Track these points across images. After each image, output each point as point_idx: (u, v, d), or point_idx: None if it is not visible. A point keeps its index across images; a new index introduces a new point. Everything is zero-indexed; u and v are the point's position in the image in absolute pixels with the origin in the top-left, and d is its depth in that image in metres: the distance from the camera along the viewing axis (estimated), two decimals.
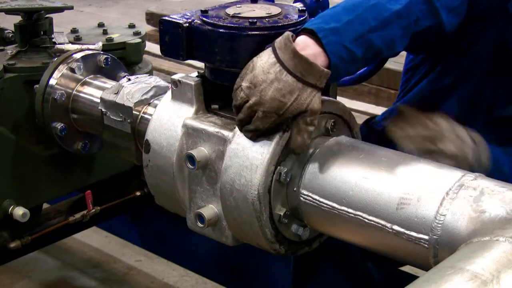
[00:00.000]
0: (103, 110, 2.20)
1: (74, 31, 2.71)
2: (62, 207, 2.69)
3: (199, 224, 1.86)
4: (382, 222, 1.59)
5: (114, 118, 2.17)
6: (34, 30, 2.52)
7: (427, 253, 1.53)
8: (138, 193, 2.75)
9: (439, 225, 1.50)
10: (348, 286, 2.29)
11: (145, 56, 2.77)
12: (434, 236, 1.51)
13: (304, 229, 1.82)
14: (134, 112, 2.13)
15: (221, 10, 1.87)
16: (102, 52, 2.45)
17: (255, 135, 1.71)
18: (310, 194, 1.72)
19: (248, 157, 1.73)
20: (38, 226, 2.56)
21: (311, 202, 1.72)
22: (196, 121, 1.86)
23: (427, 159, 1.71)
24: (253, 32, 1.78)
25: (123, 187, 2.76)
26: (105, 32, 2.70)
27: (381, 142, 1.83)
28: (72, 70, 2.37)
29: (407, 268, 2.35)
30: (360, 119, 2.30)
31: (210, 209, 1.84)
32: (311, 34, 1.67)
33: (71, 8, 2.56)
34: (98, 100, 2.24)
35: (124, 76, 2.35)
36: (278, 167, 1.73)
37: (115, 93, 2.18)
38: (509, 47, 2.01)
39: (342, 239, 1.78)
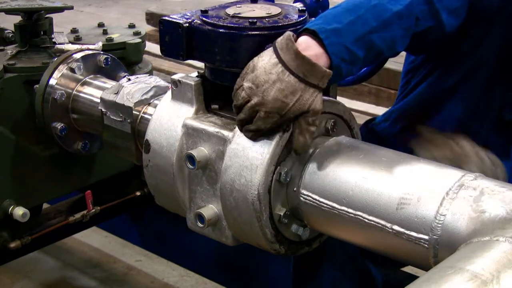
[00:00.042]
0: (103, 110, 2.20)
1: (74, 31, 2.71)
2: (62, 207, 2.70)
3: (199, 224, 1.86)
4: (382, 222, 1.59)
5: (114, 118, 2.17)
6: (34, 30, 2.52)
7: (427, 253, 1.53)
8: (138, 193, 2.75)
9: (439, 225, 1.50)
10: (348, 286, 2.29)
11: (145, 56, 2.77)
12: (434, 236, 1.51)
13: (304, 229, 1.82)
14: (134, 112, 2.13)
15: (221, 10, 1.87)
16: (102, 52, 2.45)
17: (256, 135, 1.72)
18: (310, 194, 1.72)
19: (248, 157, 1.73)
20: (38, 226, 2.57)
21: (311, 202, 1.72)
22: (196, 121, 1.86)
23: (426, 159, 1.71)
24: (253, 32, 1.78)
25: (123, 187, 2.76)
26: (105, 32, 2.70)
27: (381, 143, 1.83)
28: (72, 70, 2.37)
29: (407, 268, 2.36)
30: (360, 119, 2.30)
31: (210, 209, 1.84)
32: (313, 34, 1.67)
33: (71, 8, 2.56)
34: (98, 100, 2.24)
35: (124, 76, 2.35)
36: (278, 167, 1.73)
37: (115, 93, 2.18)
38: None
39: (342, 239, 1.78)
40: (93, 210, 2.60)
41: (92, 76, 2.40)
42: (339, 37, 1.67)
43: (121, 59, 2.53)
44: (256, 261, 2.57)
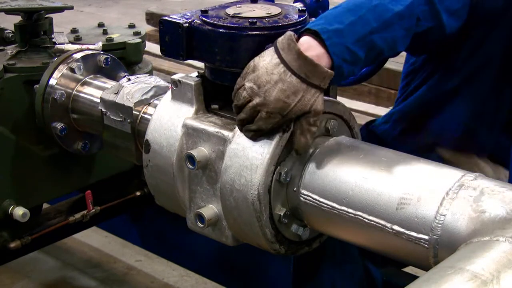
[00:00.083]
0: (103, 110, 2.20)
1: (74, 31, 2.71)
2: (62, 207, 2.69)
3: (199, 224, 1.86)
4: (382, 222, 1.59)
5: (114, 118, 2.17)
6: (34, 30, 2.51)
7: (427, 253, 1.53)
8: (138, 193, 2.75)
9: (439, 225, 1.50)
10: (348, 286, 2.29)
11: (145, 56, 2.77)
12: (434, 236, 1.51)
13: (304, 229, 1.82)
14: (134, 112, 2.13)
15: (221, 10, 1.87)
16: (102, 52, 2.45)
17: (256, 135, 1.72)
18: (310, 194, 1.72)
19: (248, 157, 1.73)
20: (38, 226, 2.56)
21: (311, 202, 1.72)
22: (196, 121, 1.86)
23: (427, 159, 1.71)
24: (253, 32, 1.78)
25: (123, 187, 2.76)
26: (105, 32, 2.70)
27: (381, 145, 1.82)
28: (72, 70, 2.37)
29: (407, 268, 2.36)
30: (360, 119, 2.30)
31: (210, 209, 1.84)
32: (315, 35, 1.67)
33: (71, 8, 2.56)
34: (98, 100, 2.24)
35: (124, 76, 2.35)
36: (278, 167, 1.73)
37: (115, 93, 2.18)
38: None
39: (342, 239, 1.78)
40: (93, 210, 2.60)
41: (92, 76, 2.40)
42: (341, 37, 1.67)
43: (121, 59, 2.52)
44: (256, 261, 2.57)
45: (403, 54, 2.08)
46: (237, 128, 1.77)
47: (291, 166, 1.76)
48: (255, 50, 1.76)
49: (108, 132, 2.21)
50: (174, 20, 1.85)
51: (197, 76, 1.92)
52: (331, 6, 2.55)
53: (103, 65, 2.42)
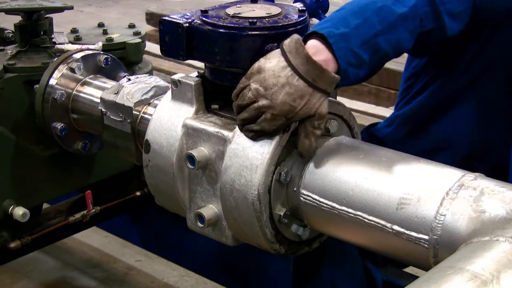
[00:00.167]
0: (103, 110, 2.20)
1: (74, 31, 2.71)
2: (62, 207, 2.69)
3: (199, 224, 1.86)
4: (382, 222, 1.59)
5: (114, 118, 2.17)
6: (34, 30, 2.51)
7: (427, 253, 1.53)
8: (138, 193, 2.75)
9: (439, 225, 1.50)
10: (348, 286, 2.29)
11: (145, 56, 2.77)
12: (434, 236, 1.51)
13: (304, 229, 1.82)
14: (134, 112, 2.13)
15: (221, 10, 1.87)
16: (102, 52, 2.45)
17: (257, 135, 1.72)
18: (310, 194, 1.72)
19: (248, 157, 1.73)
20: (38, 226, 2.56)
21: (311, 202, 1.72)
22: (196, 121, 1.86)
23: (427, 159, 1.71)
24: (253, 32, 1.78)
25: (123, 187, 2.76)
26: (105, 32, 2.70)
27: None
28: (72, 70, 2.37)
29: (407, 268, 2.35)
30: (360, 119, 2.30)
31: (210, 209, 1.84)
32: (322, 38, 1.67)
33: (71, 8, 2.56)
34: (98, 100, 2.24)
35: (124, 76, 2.35)
36: (278, 167, 1.73)
37: (115, 93, 2.18)
38: None
39: (342, 239, 1.78)
40: (93, 210, 2.59)
41: (92, 76, 2.40)
42: (347, 41, 1.68)
43: (121, 59, 2.52)
44: (256, 261, 2.57)
45: (404, 54, 2.08)
46: (237, 128, 1.77)
47: (291, 166, 1.76)
48: (255, 50, 1.76)
49: (108, 132, 2.21)
50: (174, 20, 1.85)
51: (197, 76, 1.92)
52: (331, 6, 2.56)
53: (103, 65, 2.42)
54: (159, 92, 2.17)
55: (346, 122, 1.89)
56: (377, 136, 2.30)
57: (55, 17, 2.60)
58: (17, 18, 2.53)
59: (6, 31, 2.73)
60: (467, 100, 2.10)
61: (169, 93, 1.95)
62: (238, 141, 1.76)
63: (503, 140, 2.04)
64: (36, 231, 2.54)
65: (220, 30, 1.79)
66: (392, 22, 1.74)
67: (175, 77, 1.93)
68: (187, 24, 1.83)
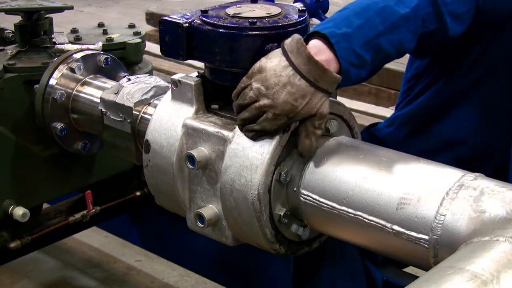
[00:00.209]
0: (103, 110, 2.20)
1: (74, 31, 2.71)
2: (62, 207, 2.69)
3: (199, 224, 1.86)
4: (382, 222, 1.59)
5: (114, 118, 2.17)
6: (34, 30, 2.51)
7: (427, 253, 1.53)
8: (138, 193, 2.75)
9: (439, 225, 1.50)
10: (348, 286, 2.29)
11: (145, 56, 2.77)
12: (434, 236, 1.51)
13: (304, 229, 1.82)
14: (134, 112, 2.13)
15: (221, 10, 1.87)
16: (102, 52, 2.45)
17: (257, 135, 1.72)
18: (310, 194, 1.72)
19: (248, 157, 1.73)
20: (38, 226, 2.56)
21: (311, 202, 1.72)
22: (196, 121, 1.86)
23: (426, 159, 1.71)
24: (253, 32, 1.78)
25: (123, 187, 2.76)
26: (105, 32, 2.70)
27: None
28: (72, 70, 2.37)
29: (407, 268, 2.35)
30: (360, 119, 2.30)
31: (210, 209, 1.84)
32: (323, 38, 1.67)
33: (71, 8, 2.56)
34: (98, 100, 2.24)
35: (124, 76, 2.35)
36: (278, 167, 1.73)
37: (115, 93, 2.18)
38: None
39: (342, 239, 1.78)
40: (93, 210, 2.59)
41: (92, 76, 2.40)
42: (349, 41, 1.68)
43: (121, 59, 2.52)
44: (256, 261, 2.57)
45: (405, 54, 2.08)
46: (237, 128, 1.77)
47: (291, 166, 1.76)
48: (255, 50, 1.76)
49: (108, 132, 2.21)
50: (174, 20, 1.85)
51: (197, 76, 1.92)
52: (331, 6, 2.56)
53: (103, 65, 2.42)
54: (159, 92, 2.17)
55: (346, 122, 1.89)
56: (377, 136, 2.30)
57: (55, 17, 2.60)
58: (17, 18, 2.53)
59: (6, 31, 2.73)
60: (469, 101, 2.10)
61: (169, 93, 1.95)
62: (238, 141, 1.76)
63: (506, 141, 2.03)
64: (36, 231, 2.54)
65: (220, 30, 1.79)
66: (394, 22, 1.74)
67: (175, 77, 1.93)
68: (187, 24, 1.83)
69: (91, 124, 2.36)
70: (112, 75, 2.43)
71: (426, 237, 1.52)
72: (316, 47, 1.67)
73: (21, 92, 2.41)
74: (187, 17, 1.86)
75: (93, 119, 2.31)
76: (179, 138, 1.87)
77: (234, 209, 1.77)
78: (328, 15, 2.51)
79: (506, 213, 1.45)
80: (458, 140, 2.15)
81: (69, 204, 2.71)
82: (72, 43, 2.57)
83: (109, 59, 2.42)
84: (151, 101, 2.15)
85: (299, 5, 1.97)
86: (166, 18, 1.88)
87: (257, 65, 1.69)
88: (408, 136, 2.24)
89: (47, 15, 2.55)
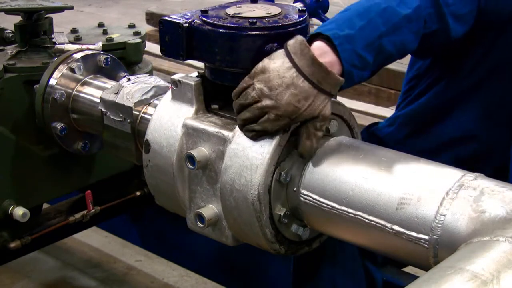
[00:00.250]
0: (103, 110, 2.20)
1: (74, 31, 2.71)
2: (62, 207, 2.69)
3: (199, 224, 1.86)
4: (382, 222, 1.59)
5: (114, 118, 2.17)
6: (34, 30, 2.51)
7: (427, 253, 1.53)
8: (138, 193, 2.75)
9: (439, 225, 1.50)
10: (348, 286, 2.29)
11: (145, 56, 2.77)
12: (434, 236, 1.51)
13: (304, 229, 1.82)
14: (134, 112, 2.13)
15: (221, 10, 1.87)
16: (102, 52, 2.45)
17: (258, 135, 1.72)
18: (310, 194, 1.72)
19: (248, 157, 1.73)
20: (38, 226, 2.56)
21: (311, 202, 1.72)
22: (196, 121, 1.86)
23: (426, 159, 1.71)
24: (253, 32, 1.78)
25: (123, 187, 2.76)
26: (105, 32, 2.70)
27: None
28: (72, 70, 2.37)
29: (407, 268, 2.36)
30: (360, 119, 2.30)
31: (210, 209, 1.84)
32: (327, 40, 1.67)
33: (71, 8, 2.56)
34: (98, 100, 2.24)
35: (124, 76, 2.35)
36: (278, 167, 1.73)
37: (115, 93, 2.18)
38: None
39: (342, 239, 1.78)
40: (93, 210, 2.59)
41: (92, 76, 2.40)
42: (352, 43, 1.68)
43: (121, 59, 2.52)
44: (256, 261, 2.57)
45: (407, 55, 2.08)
46: (237, 128, 1.77)
47: (291, 166, 1.76)
48: (255, 50, 1.76)
49: (108, 132, 2.21)
50: (174, 20, 1.85)
51: (197, 76, 1.92)
52: (331, 6, 2.56)
53: (103, 65, 2.42)
54: (159, 92, 2.17)
55: (346, 122, 1.89)
56: (377, 136, 2.30)
57: (55, 17, 2.60)
58: (17, 18, 2.53)
59: (6, 31, 2.73)
60: (471, 102, 2.10)
61: (169, 93, 1.95)
62: (238, 141, 1.76)
63: (506, 141, 2.03)
64: (36, 231, 2.54)
65: (220, 30, 1.79)
66: (396, 23, 1.74)
67: (175, 77, 1.93)
68: (187, 24, 1.83)
69: (91, 124, 2.36)
70: (112, 75, 2.43)
71: (426, 237, 1.52)
72: (319, 49, 1.67)
73: (21, 92, 2.41)
74: (187, 17, 1.86)
75: (93, 119, 2.31)
76: (179, 138, 1.87)
77: (234, 209, 1.77)
78: (327, 15, 2.51)
79: (506, 213, 1.45)
80: (458, 140, 2.15)
81: (69, 204, 2.71)
82: (72, 43, 2.57)
83: (109, 59, 2.42)
84: (151, 101, 2.15)
85: (299, 5, 1.97)
86: (166, 18, 1.88)
87: (260, 65, 1.69)
88: (409, 136, 2.24)
89: (47, 15, 2.55)
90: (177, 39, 1.85)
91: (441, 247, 1.51)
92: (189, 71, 3.25)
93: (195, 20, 1.84)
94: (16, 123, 2.42)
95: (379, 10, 1.73)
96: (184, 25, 1.83)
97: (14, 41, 2.63)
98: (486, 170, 1.71)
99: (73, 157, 2.50)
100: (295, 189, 1.76)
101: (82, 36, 2.65)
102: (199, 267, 2.92)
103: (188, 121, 1.87)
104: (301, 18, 1.84)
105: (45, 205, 2.70)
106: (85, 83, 2.38)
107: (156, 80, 2.22)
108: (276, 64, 1.67)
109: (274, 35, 1.76)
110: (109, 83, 2.34)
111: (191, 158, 1.81)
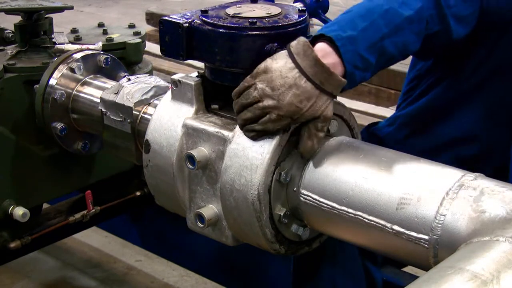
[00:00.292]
0: (103, 110, 2.20)
1: (74, 31, 2.71)
2: (62, 207, 2.69)
3: (199, 224, 1.86)
4: (382, 222, 1.59)
5: (114, 118, 2.17)
6: (34, 30, 2.51)
7: (427, 253, 1.53)
8: (138, 193, 2.75)
9: (439, 225, 1.50)
10: (348, 286, 2.29)
11: (145, 56, 2.77)
12: (434, 236, 1.51)
13: (304, 229, 1.82)
14: (134, 112, 2.13)
15: (221, 10, 1.87)
16: (102, 52, 2.45)
17: (258, 135, 1.72)
18: (310, 194, 1.72)
19: (248, 157, 1.73)
20: (38, 226, 2.56)
21: (311, 202, 1.72)
22: (196, 121, 1.86)
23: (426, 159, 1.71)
24: (253, 32, 1.78)
25: (123, 187, 2.76)
26: (105, 32, 2.70)
27: None
28: (72, 70, 2.37)
29: (407, 268, 2.36)
30: (360, 119, 2.29)
31: (210, 209, 1.84)
32: (329, 41, 1.67)
33: (71, 8, 2.56)
34: (98, 100, 2.24)
35: (124, 76, 2.35)
36: (278, 167, 1.73)
37: (115, 93, 2.18)
38: None
39: (342, 239, 1.78)
40: (93, 210, 2.59)
41: (92, 76, 2.40)
42: (354, 44, 1.68)
43: (121, 59, 2.52)
44: (256, 261, 2.57)
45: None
46: (237, 128, 1.77)
47: (291, 166, 1.76)
48: (255, 50, 1.76)
49: (108, 132, 2.21)
50: (174, 20, 1.85)
51: (197, 76, 1.92)
52: (331, 6, 2.56)
53: (103, 65, 2.42)
54: (159, 92, 2.17)
55: (346, 122, 1.89)
56: (377, 135, 2.30)
57: (55, 17, 2.60)
58: (17, 18, 2.53)
59: (6, 31, 2.73)
60: (472, 102, 2.10)
61: (169, 93, 1.95)
62: (238, 141, 1.76)
63: (506, 141, 2.04)
64: (36, 231, 2.54)
65: (220, 30, 1.79)
66: (398, 24, 1.74)
67: (175, 77, 1.93)
68: (187, 24, 1.83)
69: (91, 124, 2.36)
70: (112, 75, 2.43)
71: (426, 237, 1.52)
72: (322, 50, 1.68)
73: (21, 92, 2.41)
74: (187, 17, 1.86)
75: (93, 119, 2.31)
76: (179, 138, 1.87)
77: (234, 209, 1.77)
78: (327, 14, 2.51)
79: (506, 213, 1.45)
80: (459, 141, 2.15)
81: (69, 204, 2.71)
82: (72, 43, 2.57)
83: (109, 59, 2.42)
84: (151, 101, 2.15)
85: (299, 5, 1.97)
86: (166, 18, 1.88)
87: (262, 65, 1.69)
88: (409, 136, 2.24)
89: (47, 15, 2.55)
90: (177, 39, 1.85)
91: (441, 247, 1.51)
92: (189, 71, 3.25)
93: (195, 20, 1.84)
94: (16, 123, 2.42)
95: (381, 12, 1.73)
96: (184, 25, 1.83)
97: (14, 41, 2.63)
98: (486, 170, 1.71)
99: (73, 157, 2.50)
100: (295, 189, 1.76)
101: (82, 36, 2.65)
102: (199, 267, 2.92)
103: (188, 121, 1.87)
104: (301, 18, 1.84)
105: (45, 205, 2.70)
106: (85, 83, 2.38)
107: (156, 80, 2.22)
108: (279, 64, 1.67)
109: (274, 35, 1.76)
110: (109, 83, 2.34)
111: (191, 158, 1.81)
